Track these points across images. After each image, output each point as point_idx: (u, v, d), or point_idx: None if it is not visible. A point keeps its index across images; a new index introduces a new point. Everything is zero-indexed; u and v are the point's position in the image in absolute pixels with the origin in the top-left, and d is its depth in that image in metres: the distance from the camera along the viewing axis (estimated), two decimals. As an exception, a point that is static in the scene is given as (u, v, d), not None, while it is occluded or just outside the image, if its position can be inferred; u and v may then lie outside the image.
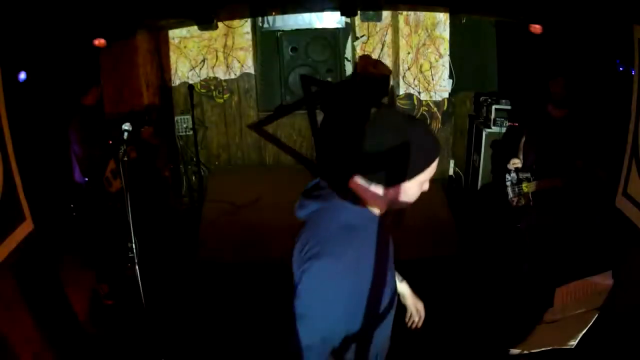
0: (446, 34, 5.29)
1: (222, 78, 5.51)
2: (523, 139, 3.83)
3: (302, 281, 1.52)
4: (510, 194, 3.76)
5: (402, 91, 5.47)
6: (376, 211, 1.55)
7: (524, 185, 3.62)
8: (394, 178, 1.45)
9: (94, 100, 3.96)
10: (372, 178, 1.46)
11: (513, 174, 3.73)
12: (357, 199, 1.52)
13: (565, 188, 3.39)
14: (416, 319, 2.00)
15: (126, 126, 2.78)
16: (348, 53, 5.56)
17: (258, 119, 5.68)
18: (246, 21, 5.35)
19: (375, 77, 5.42)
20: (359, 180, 1.50)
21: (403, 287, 1.99)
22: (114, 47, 4.44)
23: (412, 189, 1.48)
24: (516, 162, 3.73)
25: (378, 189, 1.48)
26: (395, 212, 1.64)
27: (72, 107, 3.87)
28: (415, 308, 1.99)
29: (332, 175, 1.64)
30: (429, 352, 3.19)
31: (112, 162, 3.92)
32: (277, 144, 5.74)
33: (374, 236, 1.54)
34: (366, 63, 5.44)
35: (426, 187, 1.52)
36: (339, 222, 1.49)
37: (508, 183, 3.77)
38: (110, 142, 3.81)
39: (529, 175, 3.63)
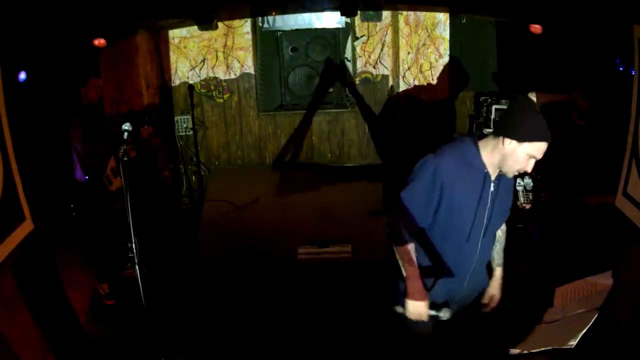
0: (446, 34, 5.29)
1: (222, 78, 5.51)
2: None
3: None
4: (522, 199, 3.67)
5: (402, 91, 5.47)
6: (489, 165, 2.06)
7: (542, 194, 3.56)
8: (514, 135, 1.94)
9: (96, 97, 3.95)
10: (500, 131, 1.99)
11: (527, 180, 3.64)
12: (477, 146, 2.07)
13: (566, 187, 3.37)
14: (486, 304, 2.45)
15: (126, 126, 2.78)
16: (348, 53, 5.56)
17: (258, 119, 5.68)
18: (246, 21, 5.35)
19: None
20: (485, 138, 2.07)
21: (496, 272, 2.43)
22: (114, 47, 4.44)
23: (520, 155, 1.95)
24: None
25: (499, 141, 1.98)
26: None
27: (73, 105, 3.87)
28: (490, 296, 2.44)
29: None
30: (429, 352, 3.19)
31: (112, 160, 3.92)
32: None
33: (476, 176, 2.07)
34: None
35: (531, 164, 1.97)
36: (455, 148, 2.09)
37: (520, 188, 3.69)
38: (111, 141, 3.81)
39: (538, 183, 3.57)
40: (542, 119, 1.94)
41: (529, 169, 2.00)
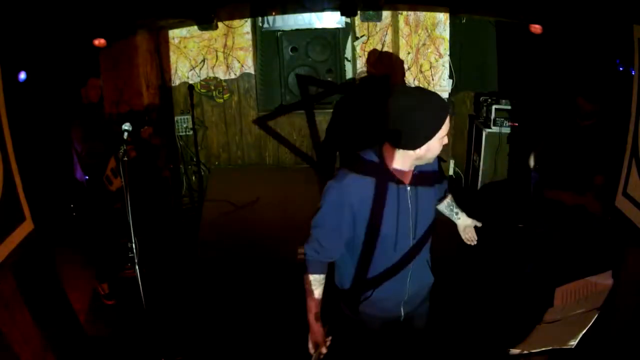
0: (446, 34, 5.29)
1: (222, 78, 5.51)
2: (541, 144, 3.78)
3: None
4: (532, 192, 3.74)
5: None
6: (401, 168, 1.99)
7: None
8: (417, 143, 1.88)
9: (96, 97, 3.96)
10: (400, 146, 1.91)
11: (534, 174, 3.69)
12: (382, 158, 1.99)
13: (579, 210, 3.37)
14: (466, 240, 2.51)
15: (126, 126, 2.79)
16: (348, 53, 5.56)
17: (258, 118, 5.68)
18: (246, 21, 5.35)
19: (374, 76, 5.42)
20: (389, 147, 1.97)
21: (460, 215, 2.50)
22: (114, 47, 4.44)
23: (434, 146, 1.90)
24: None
25: (406, 153, 1.92)
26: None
27: (73, 105, 3.87)
28: (464, 236, 2.51)
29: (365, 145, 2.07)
30: (429, 351, 3.19)
31: (112, 160, 3.92)
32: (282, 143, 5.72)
33: (388, 187, 1.98)
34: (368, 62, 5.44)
35: (446, 140, 1.92)
36: (358, 165, 2.00)
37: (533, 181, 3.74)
38: (111, 141, 3.82)
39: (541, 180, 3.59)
40: (427, 102, 1.85)
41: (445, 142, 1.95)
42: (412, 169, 2.01)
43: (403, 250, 2.08)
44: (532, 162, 3.71)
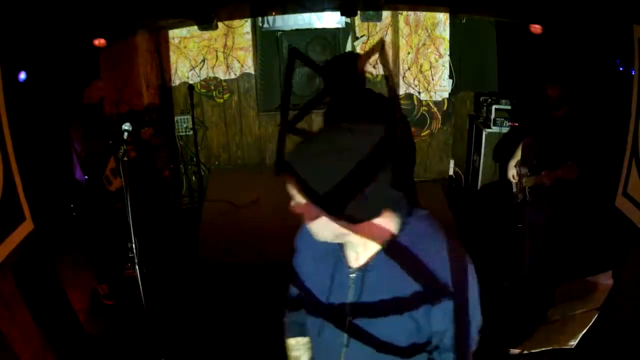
0: (446, 34, 5.29)
1: (222, 78, 5.51)
2: (525, 140, 3.83)
3: None
4: (514, 189, 3.78)
5: (402, 91, 5.47)
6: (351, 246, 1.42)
7: (523, 180, 3.64)
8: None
9: (98, 97, 3.96)
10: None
11: (515, 169, 3.77)
12: None
13: (560, 186, 3.38)
14: None
15: (126, 126, 2.78)
16: (348, 53, 5.57)
17: (258, 119, 5.68)
18: (246, 21, 5.35)
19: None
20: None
21: None
22: (114, 47, 4.43)
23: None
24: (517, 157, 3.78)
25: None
26: None
27: (73, 106, 3.87)
28: None
29: None
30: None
31: (112, 160, 3.92)
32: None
33: (328, 256, 1.46)
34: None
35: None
36: None
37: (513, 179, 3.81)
38: (111, 141, 3.82)
39: (527, 171, 3.65)
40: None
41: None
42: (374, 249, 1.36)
43: (328, 342, 1.47)
44: (512, 169, 3.77)
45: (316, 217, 1.30)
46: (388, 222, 1.34)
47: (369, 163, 1.22)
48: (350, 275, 1.40)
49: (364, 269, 1.37)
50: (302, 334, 1.68)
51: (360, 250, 1.38)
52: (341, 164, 1.21)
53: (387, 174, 1.27)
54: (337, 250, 1.43)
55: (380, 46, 5.42)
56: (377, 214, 1.30)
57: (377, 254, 1.35)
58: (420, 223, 1.37)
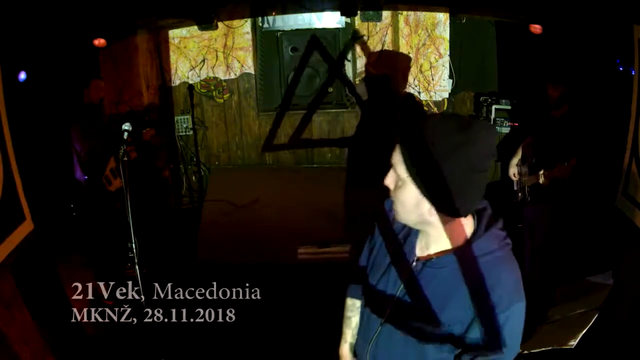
0: (446, 34, 5.29)
1: (222, 78, 5.51)
2: (526, 140, 3.84)
3: None
4: (515, 187, 3.79)
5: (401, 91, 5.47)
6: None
7: (524, 179, 3.65)
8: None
9: (97, 97, 3.96)
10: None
11: (516, 168, 3.78)
12: None
13: (559, 185, 3.39)
14: None
15: (126, 126, 2.78)
16: (348, 53, 5.56)
17: (258, 119, 5.68)
18: (246, 21, 5.35)
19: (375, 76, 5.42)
20: None
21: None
22: (114, 47, 4.44)
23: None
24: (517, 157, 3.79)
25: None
26: None
27: (74, 105, 3.87)
28: None
29: None
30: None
31: (112, 160, 3.92)
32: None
33: (403, 238, 1.47)
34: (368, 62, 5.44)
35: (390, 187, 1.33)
36: None
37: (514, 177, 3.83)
38: (114, 142, 3.82)
39: (527, 169, 3.65)
40: None
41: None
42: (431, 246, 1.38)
43: (369, 318, 1.52)
44: (513, 167, 3.77)
45: (411, 196, 1.28)
46: (469, 226, 1.34)
47: (483, 162, 1.23)
48: (413, 264, 1.40)
49: (426, 261, 1.37)
50: (359, 298, 1.69)
51: (432, 244, 1.37)
52: (464, 152, 1.19)
53: (484, 179, 1.27)
54: (413, 236, 1.43)
55: (380, 46, 5.42)
56: (467, 213, 1.30)
57: (446, 253, 1.34)
58: (495, 238, 1.34)
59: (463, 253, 1.31)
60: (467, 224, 1.33)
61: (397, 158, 1.27)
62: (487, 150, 1.22)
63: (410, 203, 1.28)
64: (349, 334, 1.75)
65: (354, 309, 1.74)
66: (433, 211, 1.28)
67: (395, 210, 1.34)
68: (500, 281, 1.28)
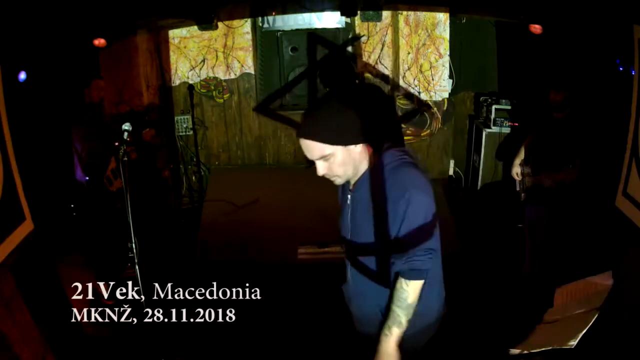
0: (446, 34, 5.29)
1: (222, 78, 5.51)
2: (527, 139, 3.83)
3: None
4: (517, 187, 3.78)
5: (402, 91, 5.47)
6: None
7: (526, 179, 3.64)
8: None
9: (98, 97, 3.96)
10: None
11: (519, 168, 3.77)
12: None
13: (560, 185, 3.39)
14: None
15: (126, 126, 2.78)
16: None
17: (258, 119, 5.68)
18: (246, 21, 5.35)
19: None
20: None
21: (383, 335, 1.87)
22: (114, 47, 4.44)
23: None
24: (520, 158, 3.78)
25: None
26: None
27: (74, 105, 3.87)
28: None
29: None
30: (429, 351, 3.19)
31: (112, 161, 3.92)
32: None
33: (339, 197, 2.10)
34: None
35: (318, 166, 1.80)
36: None
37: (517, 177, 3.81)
38: (115, 142, 3.82)
39: (529, 170, 3.65)
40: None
41: (318, 172, 1.80)
42: (359, 175, 1.87)
43: (346, 239, 2.02)
44: (516, 167, 3.77)
45: (343, 156, 1.76)
46: (373, 155, 1.84)
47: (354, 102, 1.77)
48: (348, 201, 1.94)
49: (354, 191, 1.90)
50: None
51: (354, 178, 1.88)
52: (343, 115, 1.75)
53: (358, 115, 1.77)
54: (345, 184, 1.92)
55: (380, 46, 5.42)
56: (364, 140, 1.79)
57: (362, 177, 1.86)
58: (391, 155, 1.83)
59: (370, 171, 1.83)
60: (372, 154, 1.84)
61: (312, 146, 1.74)
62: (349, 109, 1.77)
63: (346, 160, 1.77)
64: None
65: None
66: (357, 149, 1.78)
67: (337, 178, 1.82)
68: (396, 180, 1.77)
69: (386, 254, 1.85)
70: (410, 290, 1.79)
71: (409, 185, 1.75)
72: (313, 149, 1.74)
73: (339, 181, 1.85)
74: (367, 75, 5.52)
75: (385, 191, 1.78)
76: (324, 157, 1.75)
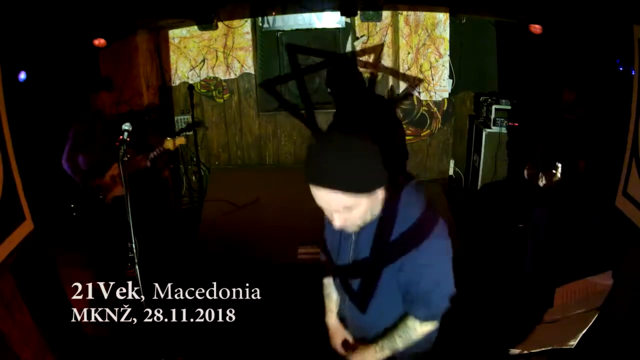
0: (446, 34, 5.29)
1: (222, 78, 5.51)
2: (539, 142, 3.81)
3: None
4: (528, 187, 3.76)
5: (402, 91, 5.47)
6: None
7: (540, 180, 3.61)
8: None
9: (103, 105, 3.96)
10: None
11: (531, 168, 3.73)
12: None
13: (566, 186, 3.38)
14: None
15: (126, 126, 2.78)
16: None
17: (258, 119, 5.68)
18: (246, 21, 5.35)
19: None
20: None
21: (373, 344, 1.84)
22: (114, 47, 4.44)
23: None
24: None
25: None
26: None
27: (73, 105, 3.87)
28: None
29: None
30: (429, 351, 3.19)
31: (114, 167, 3.91)
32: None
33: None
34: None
35: (335, 219, 1.61)
36: None
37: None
38: (117, 143, 3.81)
39: (540, 170, 3.62)
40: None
41: (335, 224, 1.61)
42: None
43: (339, 287, 1.96)
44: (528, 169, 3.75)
45: (366, 205, 1.56)
46: (384, 193, 1.63)
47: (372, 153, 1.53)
48: (352, 234, 1.73)
49: (360, 229, 1.67)
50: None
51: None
52: (364, 154, 1.50)
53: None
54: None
55: (380, 46, 5.42)
56: (387, 179, 1.58)
57: (372, 219, 1.64)
58: (408, 190, 1.67)
59: (383, 211, 1.65)
60: (383, 192, 1.64)
61: (333, 197, 1.50)
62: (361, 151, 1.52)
63: (371, 206, 1.59)
64: (332, 306, 2.05)
65: (329, 286, 2.06)
66: (381, 191, 1.60)
67: (351, 225, 1.62)
68: (413, 222, 1.62)
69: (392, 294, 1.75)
70: (420, 332, 1.77)
71: (427, 230, 1.62)
72: (333, 200, 1.50)
73: (352, 230, 1.67)
74: (367, 75, 5.53)
75: (402, 234, 1.62)
76: (347, 208, 1.53)
